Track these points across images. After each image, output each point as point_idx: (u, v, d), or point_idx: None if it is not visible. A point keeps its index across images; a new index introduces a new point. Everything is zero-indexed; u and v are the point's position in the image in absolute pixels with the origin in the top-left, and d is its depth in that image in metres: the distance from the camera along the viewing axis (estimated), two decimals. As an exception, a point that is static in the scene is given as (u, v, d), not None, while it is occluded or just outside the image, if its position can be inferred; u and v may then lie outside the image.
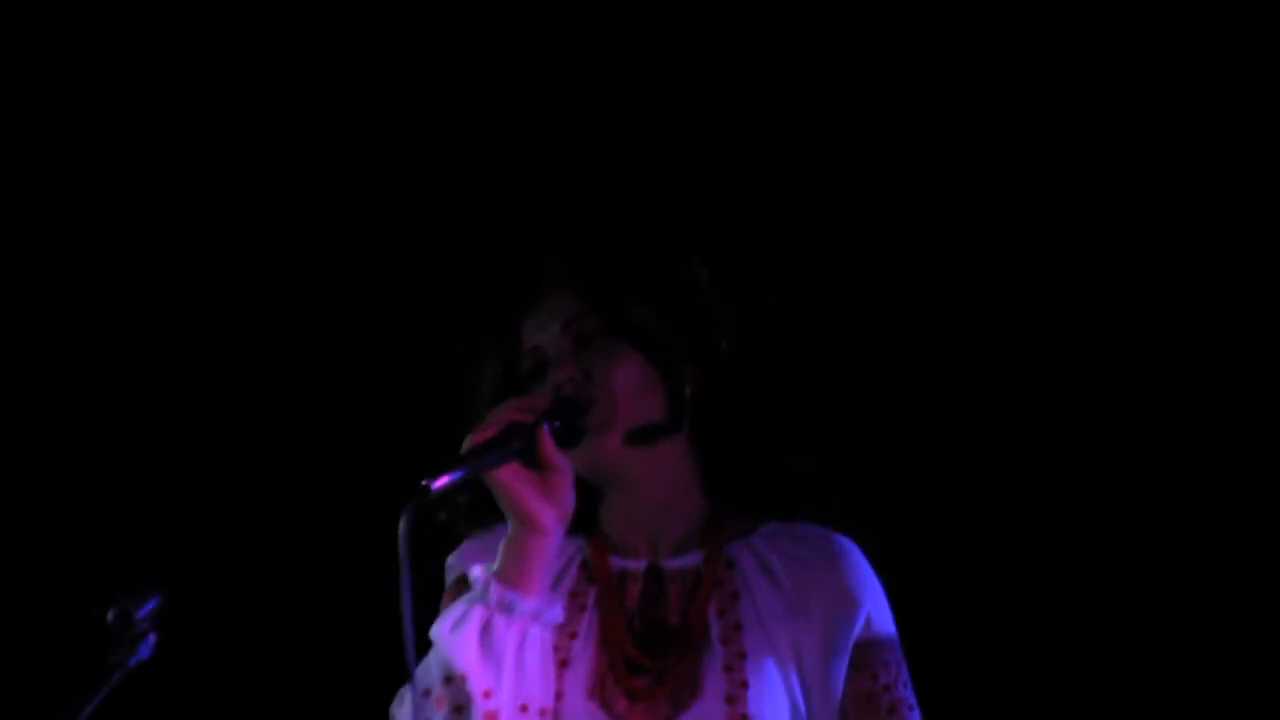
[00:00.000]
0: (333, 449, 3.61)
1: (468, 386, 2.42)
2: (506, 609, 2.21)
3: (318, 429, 3.65)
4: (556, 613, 2.24)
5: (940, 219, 3.48)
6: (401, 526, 2.09)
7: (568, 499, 2.25)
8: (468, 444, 2.22)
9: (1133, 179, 3.41)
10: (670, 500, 2.36)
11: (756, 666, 2.25)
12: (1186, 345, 3.38)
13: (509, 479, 2.23)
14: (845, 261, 3.49)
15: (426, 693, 2.20)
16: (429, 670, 2.21)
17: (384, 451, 3.31)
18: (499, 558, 2.25)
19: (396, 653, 2.11)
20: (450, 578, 2.37)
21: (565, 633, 2.30)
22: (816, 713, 2.26)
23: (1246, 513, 3.33)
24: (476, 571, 2.26)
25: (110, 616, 2.02)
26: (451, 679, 2.19)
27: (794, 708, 2.26)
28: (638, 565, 2.35)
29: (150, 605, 2.02)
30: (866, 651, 2.28)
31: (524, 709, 2.20)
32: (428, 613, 2.26)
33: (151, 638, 2.01)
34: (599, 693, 2.27)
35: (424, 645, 2.24)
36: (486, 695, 2.18)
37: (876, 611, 2.30)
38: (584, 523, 2.38)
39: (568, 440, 2.28)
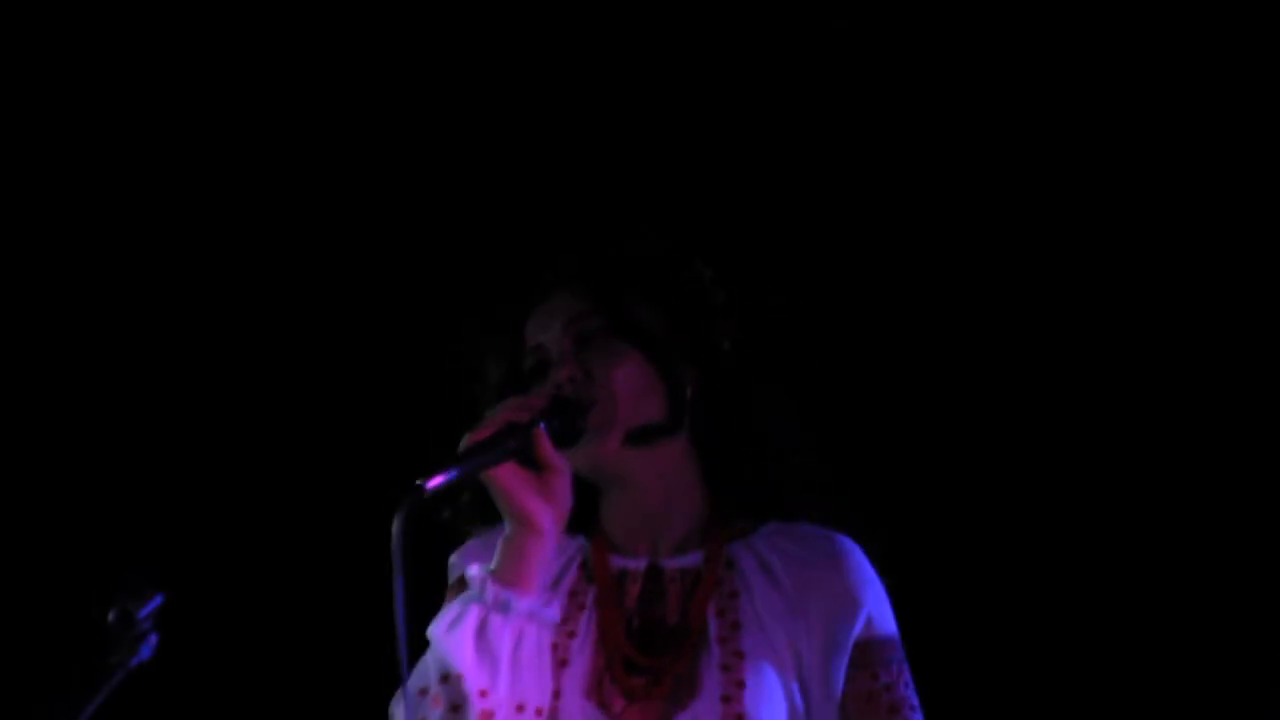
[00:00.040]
0: (333, 448, 3.61)
1: (473, 384, 2.42)
2: (503, 608, 2.21)
3: (318, 428, 3.65)
4: (553, 612, 2.24)
5: (940, 219, 3.48)
6: (395, 526, 2.09)
7: (565, 499, 2.25)
8: (464, 443, 2.22)
9: (1133, 179, 3.41)
10: (670, 500, 2.36)
11: (754, 666, 2.25)
12: (1186, 345, 3.38)
13: (505, 478, 2.22)
14: (846, 261, 3.49)
15: (424, 691, 2.20)
16: (426, 669, 2.21)
17: (385, 451, 3.30)
18: (496, 557, 2.25)
19: (389, 650, 2.11)
20: (453, 576, 2.38)
21: (564, 632, 2.31)
22: (816, 712, 2.26)
23: (1246, 513, 3.34)
24: (473, 571, 2.26)
25: (111, 616, 2.01)
26: (448, 678, 2.19)
27: (792, 707, 2.25)
28: (637, 565, 2.35)
29: (151, 605, 2.02)
30: (867, 651, 2.28)
31: (520, 708, 2.20)
32: (430, 611, 2.27)
33: (153, 638, 2.01)
34: (596, 692, 2.27)
35: (422, 644, 2.24)
36: (482, 694, 2.18)
37: (877, 611, 2.30)
38: (586, 522, 2.38)
39: (565, 440, 2.27)
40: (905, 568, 2.40)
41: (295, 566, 3.58)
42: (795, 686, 2.26)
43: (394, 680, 2.21)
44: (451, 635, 2.21)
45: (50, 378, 3.74)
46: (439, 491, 2.15)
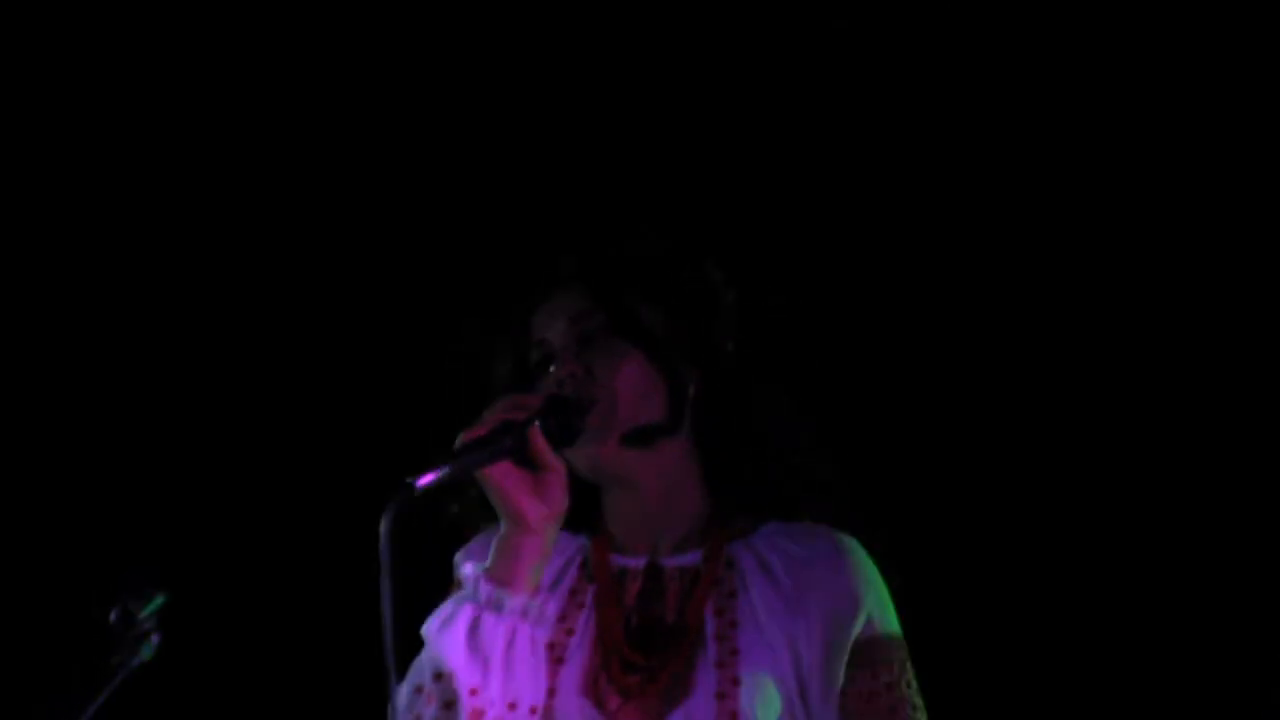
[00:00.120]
0: (334, 447, 3.61)
1: (474, 382, 2.42)
2: (495, 607, 2.21)
3: (318, 428, 3.65)
4: (546, 610, 2.24)
5: (941, 219, 3.48)
6: (383, 524, 2.09)
7: (559, 498, 2.24)
8: (459, 441, 2.22)
9: (1133, 179, 3.41)
10: (671, 500, 2.36)
11: (750, 664, 2.25)
12: (1187, 345, 3.38)
13: (499, 477, 2.22)
14: (847, 261, 3.49)
15: (419, 689, 2.21)
16: (421, 667, 2.22)
17: (387, 449, 3.30)
18: (490, 556, 2.25)
19: (398, 651, 2.11)
20: (457, 574, 2.37)
21: (562, 630, 2.31)
22: (816, 711, 2.25)
23: (1246, 513, 3.34)
24: (467, 569, 2.26)
25: (113, 617, 2.01)
26: (441, 675, 2.19)
27: (790, 705, 2.25)
28: (637, 563, 2.35)
29: (153, 605, 2.02)
30: (868, 650, 2.27)
31: (513, 706, 2.20)
32: (433, 609, 2.27)
33: (154, 638, 2.01)
34: (592, 690, 2.27)
35: (419, 643, 2.25)
36: (473, 693, 2.18)
37: (878, 610, 2.30)
38: (588, 521, 2.38)
39: (562, 439, 2.27)
40: (907, 568, 2.40)
41: (296, 566, 3.58)
42: (793, 685, 2.25)
43: (397, 678, 2.21)
44: (444, 633, 2.21)
45: (50, 378, 3.74)
46: (430, 489, 2.15)
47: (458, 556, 2.39)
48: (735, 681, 2.24)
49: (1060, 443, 3.41)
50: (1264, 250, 3.37)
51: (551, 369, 2.34)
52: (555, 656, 2.29)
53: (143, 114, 3.70)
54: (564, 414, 2.28)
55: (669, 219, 2.57)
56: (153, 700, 2.48)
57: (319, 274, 3.71)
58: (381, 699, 2.25)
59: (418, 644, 2.25)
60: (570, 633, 2.31)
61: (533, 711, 2.21)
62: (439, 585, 2.33)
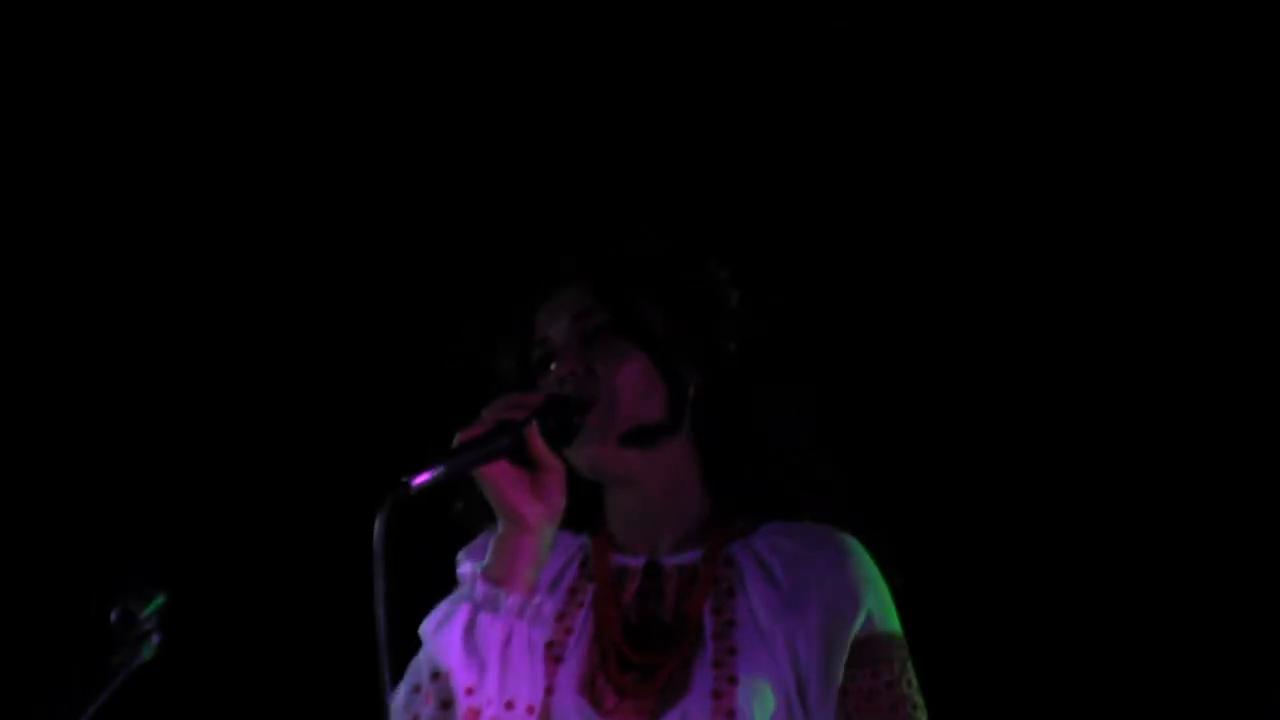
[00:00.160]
0: (335, 447, 3.61)
1: (474, 382, 2.42)
2: (492, 606, 2.21)
3: (319, 427, 3.65)
4: (544, 610, 2.24)
5: (942, 219, 3.48)
6: (377, 523, 2.08)
7: (557, 497, 2.24)
8: (456, 440, 2.22)
9: (1133, 178, 3.41)
10: (671, 499, 2.36)
11: (747, 663, 2.25)
12: (1188, 346, 3.38)
13: (496, 476, 2.22)
14: (848, 261, 3.49)
15: (416, 688, 2.21)
16: (419, 666, 2.22)
17: (387, 450, 3.30)
18: (487, 555, 2.25)
19: (397, 651, 2.11)
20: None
21: (561, 629, 2.31)
22: (814, 709, 2.25)
23: (1247, 513, 3.34)
24: (465, 569, 2.27)
25: (113, 617, 2.01)
26: (438, 675, 2.19)
27: (788, 704, 2.25)
28: (636, 562, 2.36)
29: (153, 605, 2.02)
30: (867, 648, 2.27)
31: (509, 705, 2.20)
32: (433, 608, 2.27)
33: (155, 638, 2.01)
34: (589, 688, 2.28)
35: (417, 642, 2.25)
36: (469, 692, 2.18)
37: (878, 608, 2.29)
38: (590, 521, 2.38)
39: (561, 439, 2.27)
40: (907, 567, 2.40)
41: (296, 565, 3.58)
42: (792, 684, 2.25)
43: (396, 677, 2.21)
44: (440, 633, 2.22)
45: (50, 378, 3.74)
46: (425, 489, 2.14)
47: (460, 555, 2.39)
48: (732, 680, 2.24)
49: (1060, 442, 3.42)
50: (1264, 250, 3.37)
51: (552, 367, 2.33)
52: (554, 655, 2.29)
53: (143, 114, 3.70)
54: (563, 413, 2.27)
55: (672, 219, 2.56)
56: (153, 700, 2.48)
57: (319, 274, 3.71)
58: (380, 698, 2.26)
59: (417, 643, 2.25)
60: (569, 631, 2.31)
61: (530, 710, 2.21)
62: (439, 584, 2.33)
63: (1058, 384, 3.44)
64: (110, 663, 2.00)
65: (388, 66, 3.66)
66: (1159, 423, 3.38)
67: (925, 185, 3.49)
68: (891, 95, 3.49)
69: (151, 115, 3.70)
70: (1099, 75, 3.41)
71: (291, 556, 3.59)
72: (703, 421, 2.37)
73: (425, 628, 2.24)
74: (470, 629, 2.20)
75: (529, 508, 2.22)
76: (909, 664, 2.30)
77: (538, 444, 2.23)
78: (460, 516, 2.39)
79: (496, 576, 2.22)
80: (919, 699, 2.29)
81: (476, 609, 2.21)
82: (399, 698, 2.21)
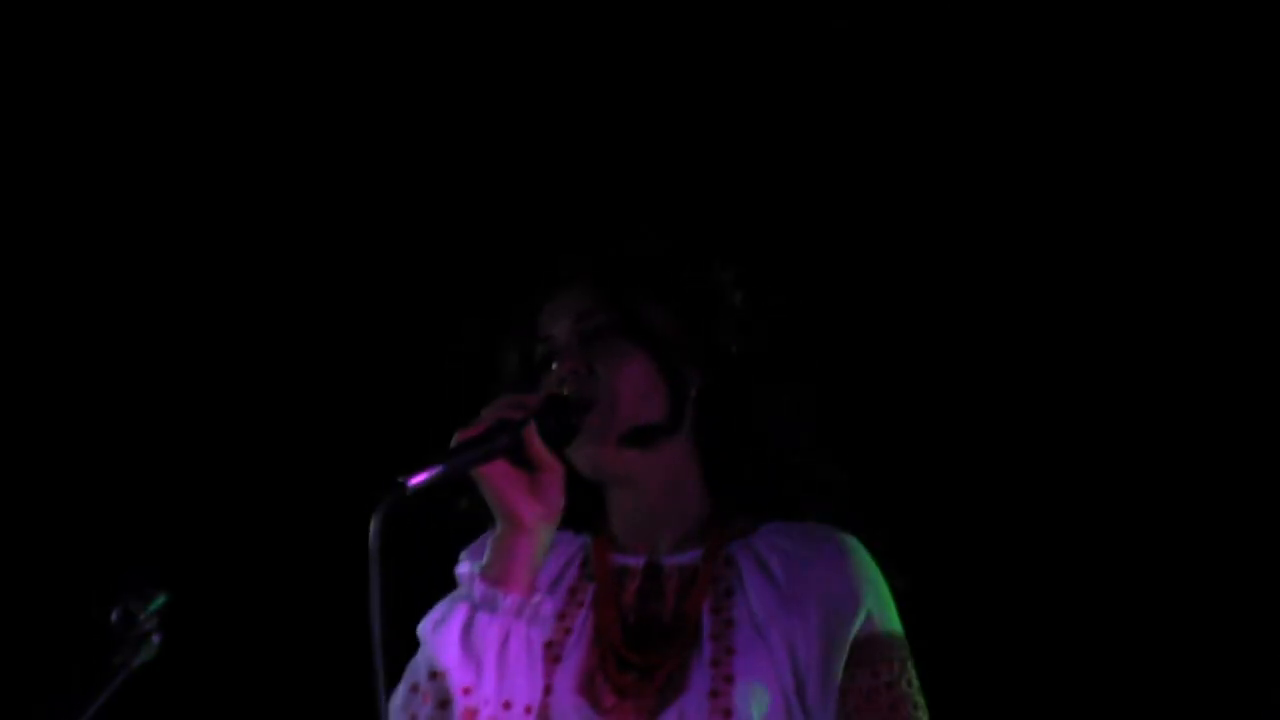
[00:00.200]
0: (336, 447, 3.61)
1: (482, 378, 2.42)
2: (489, 606, 2.21)
3: (320, 427, 3.65)
4: (542, 610, 2.24)
5: (942, 219, 3.48)
6: (373, 523, 2.08)
7: (555, 498, 2.24)
8: (455, 440, 2.22)
9: (1133, 178, 3.41)
10: (671, 499, 2.37)
11: (745, 662, 2.25)
12: (1189, 346, 3.38)
13: (494, 476, 2.22)
14: (848, 261, 3.49)
15: (415, 687, 2.21)
16: (418, 665, 2.22)
17: (388, 450, 3.30)
18: (486, 555, 2.25)
19: (395, 651, 2.11)
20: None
21: (561, 629, 2.31)
22: (813, 708, 2.25)
23: (1247, 513, 3.34)
24: (463, 568, 2.27)
25: (114, 617, 2.01)
26: (436, 675, 2.20)
27: (786, 703, 2.25)
28: (637, 562, 2.36)
29: (154, 605, 2.02)
30: (867, 647, 2.27)
31: (507, 706, 2.20)
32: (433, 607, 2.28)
33: (155, 638, 2.01)
34: (587, 688, 2.28)
35: (414, 643, 2.25)
36: (466, 692, 2.19)
37: (878, 608, 2.29)
38: (592, 520, 2.38)
39: (560, 439, 2.27)
40: (908, 567, 2.40)
41: (296, 565, 3.58)
42: (790, 683, 2.25)
43: (394, 677, 2.21)
44: (438, 633, 2.22)
45: (50, 378, 3.74)
46: (422, 489, 2.14)
47: (463, 555, 2.39)
48: (729, 679, 2.24)
49: (1061, 442, 3.41)
50: (1264, 250, 3.37)
51: (554, 366, 2.34)
52: (552, 655, 2.29)
53: (143, 114, 3.70)
54: (562, 413, 2.27)
55: (674, 219, 2.56)
56: (153, 700, 2.48)
57: (321, 275, 3.71)
58: (386, 697, 2.26)
59: (416, 643, 2.25)
60: (568, 631, 2.32)
61: (528, 711, 2.22)
62: (440, 584, 2.33)
63: (1058, 384, 3.43)
64: (110, 663, 2.00)
65: (390, 66, 3.66)
66: (1159, 422, 3.38)
67: (925, 185, 3.48)
68: (892, 95, 3.49)
69: (151, 115, 3.70)
70: (1099, 75, 3.41)
71: (292, 557, 3.58)
72: (703, 421, 2.37)
73: (423, 627, 2.24)
74: (468, 629, 2.20)
75: (527, 508, 2.23)
76: (909, 664, 2.29)
77: (536, 444, 2.23)
78: (466, 514, 2.39)
79: (494, 576, 2.22)
80: (920, 699, 2.29)
81: (474, 609, 2.21)
82: (398, 697, 2.22)
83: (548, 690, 2.27)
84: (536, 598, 2.23)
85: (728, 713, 2.22)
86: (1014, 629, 3.36)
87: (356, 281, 3.70)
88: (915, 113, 3.48)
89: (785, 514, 2.37)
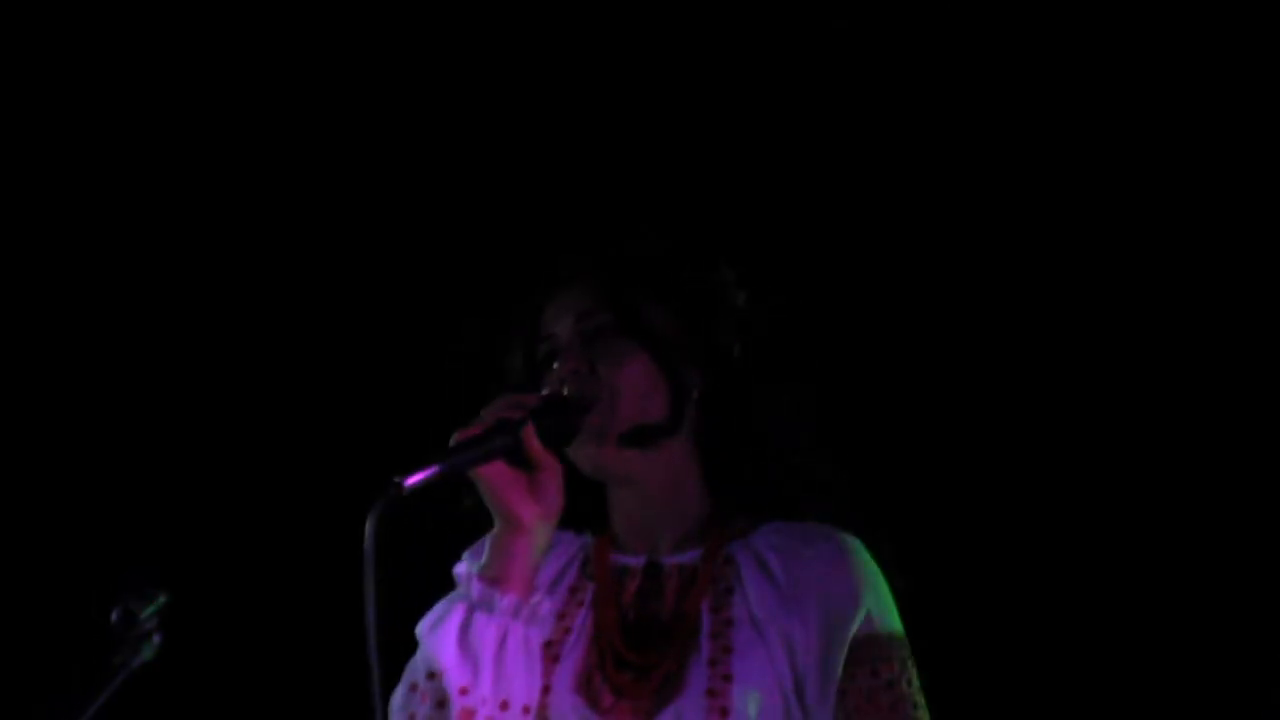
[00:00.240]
0: (337, 447, 3.61)
1: (482, 378, 2.42)
2: (487, 606, 2.21)
3: (320, 427, 3.65)
4: (541, 610, 2.24)
5: (943, 219, 3.48)
6: (369, 523, 2.08)
7: (554, 497, 2.24)
8: (453, 440, 2.22)
9: (1133, 178, 3.41)
10: (672, 499, 2.36)
11: (743, 662, 2.25)
12: (1187, 345, 3.38)
13: (493, 476, 2.22)
14: (849, 261, 3.49)
15: (413, 687, 2.21)
16: (416, 665, 2.23)
17: (389, 450, 3.30)
18: (484, 555, 2.25)
19: (396, 651, 2.11)
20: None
21: (560, 628, 2.31)
22: (812, 708, 2.25)
23: (1247, 513, 3.34)
24: (461, 568, 2.27)
25: (114, 617, 2.01)
26: (434, 675, 2.20)
27: (785, 703, 2.24)
28: (637, 562, 2.36)
29: (154, 605, 2.02)
30: (867, 647, 2.26)
31: (505, 706, 2.20)
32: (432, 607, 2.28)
33: (156, 638, 2.01)
34: (586, 688, 2.28)
35: (413, 643, 2.25)
36: (463, 692, 2.18)
37: (878, 608, 2.29)
38: (593, 520, 2.38)
39: (559, 439, 2.27)
40: (908, 567, 2.40)
41: (296, 565, 3.58)
42: (789, 682, 2.25)
43: (394, 677, 2.22)
44: (435, 633, 2.22)
45: (50, 378, 3.74)
46: (419, 489, 2.14)
47: (465, 554, 2.39)
48: (727, 679, 2.24)
49: (1061, 442, 3.41)
50: (1264, 250, 3.37)
51: (555, 365, 2.34)
52: (551, 655, 2.29)
53: (143, 114, 3.70)
54: (561, 413, 2.27)
55: (675, 219, 2.57)
56: (153, 700, 2.48)
57: (321, 275, 3.71)
58: (383, 696, 2.26)
59: (415, 643, 2.25)
60: (568, 631, 2.32)
61: (525, 711, 2.21)
62: (439, 584, 2.33)
63: (1058, 384, 3.43)
64: (110, 663, 2.00)
65: (391, 66, 3.66)
66: (1159, 422, 3.38)
67: (926, 186, 3.48)
68: (892, 95, 3.49)
69: (151, 115, 3.70)
70: (1099, 75, 3.41)
71: (291, 557, 3.58)
72: (704, 421, 2.37)
73: (421, 627, 2.25)
74: (465, 629, 2.20)
75: (525, 508, 2.22)
76: (910, 664, 2.29)
77: (534, 444, 2.23)
78: (467, 513, 2.39)
79: (492, 576, 2.22)
80: (920, 699, 2.28)
81: (472, 609, 2.21)
82: (397, 697, 2.22)
83: (546, 690, 2.26)
84: (535, 598, 2.23)
85: (725, 712, 2.22)
86: (1014, 629, 3.36)
87: (356, 281, 3.70)
88: (915, 113, 3.48)
89: (785, 514, 2.37)
